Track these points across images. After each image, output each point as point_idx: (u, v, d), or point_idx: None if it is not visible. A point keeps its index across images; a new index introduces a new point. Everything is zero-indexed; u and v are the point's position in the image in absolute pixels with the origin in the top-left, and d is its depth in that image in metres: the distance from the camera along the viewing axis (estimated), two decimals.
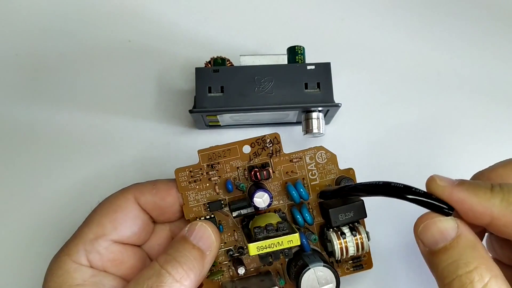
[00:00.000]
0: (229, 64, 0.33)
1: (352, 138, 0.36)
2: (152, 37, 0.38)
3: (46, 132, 0.35)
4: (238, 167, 0.28)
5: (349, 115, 0.36)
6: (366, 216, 0.27)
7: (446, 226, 0.22)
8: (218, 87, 0.31)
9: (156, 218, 0.28)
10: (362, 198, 0.27)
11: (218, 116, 0.32)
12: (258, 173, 0.27)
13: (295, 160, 0.28)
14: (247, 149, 0.28)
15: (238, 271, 0.27)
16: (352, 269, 0.29)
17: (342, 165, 0.29)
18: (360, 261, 0.29)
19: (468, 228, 0.22)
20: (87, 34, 0.38)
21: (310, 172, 0.29)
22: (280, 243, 0.25)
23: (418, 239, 0.23)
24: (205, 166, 0.27)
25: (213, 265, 0.28)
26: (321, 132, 0.32)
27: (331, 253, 0.27)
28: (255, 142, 0.28)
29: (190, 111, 0.31)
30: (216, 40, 0.37)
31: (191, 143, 0.35)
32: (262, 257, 0.25)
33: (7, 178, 0.34)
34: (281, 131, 0.35)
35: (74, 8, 0.38)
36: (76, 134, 0.35)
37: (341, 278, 0.28)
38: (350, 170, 0.29)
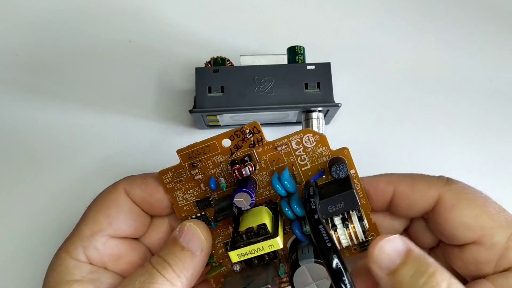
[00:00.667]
0: (229, 64, 0.33)
1: (352, 138, 0.36)
2: (152, 37, 0.38)
3: (46, 131, 0.35)
4: (221, 162, 0.26)
5: (349, 115, 0.36)
6: (358, 205, 0.25)
7: (397, 243, 0.23)
8: (218, 87, 0.31)
9: (147, 212, 0.28)
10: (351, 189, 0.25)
11: (218, 116, 0.32)
12: (237, 171, 0.25)
13: (280, 147, 0.26)
14: (227, 142, 0.26)
15: (234, 268, 0.27)
16: (359, 249, 0.28)
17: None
18: (367, 241, 0.27)
19: (412, 242, 0.23)
20: (87, 34, 0.38)
21: (299, 158, 0.26)
22: (261, 248, 0.24)
23: (375, 266, 0.23)
24: (186, 165, 0.27)
25: (213, 261, 0.28)
26: (321, 132, 0.32)
27: None
28: (233, 135, 0.26)
29: (190, 111, 0.31)
30: (216, 40, 0.37)
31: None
32: (246, 261, 0.25)
33: (7, 178, 0.34)
34: (281, 131, 0.36)
35: (74, 8, 0.38)
36: (76, 135, 0.35)
37: (349, 258, 0.28)
38: (344, 149, 0.26)
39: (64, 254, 0.26)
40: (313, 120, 0.32)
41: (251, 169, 0.26)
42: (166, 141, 0.35)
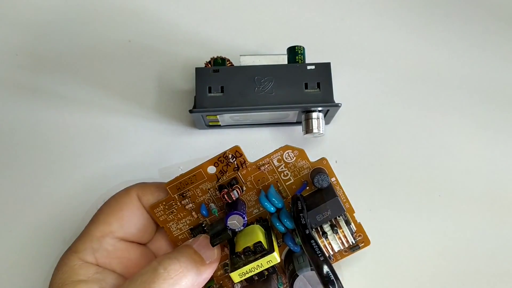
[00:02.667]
0: (229, 64, 0.33)
1: (352, 138, 0.36)
2: (152, 37, 0.38)
3: (46, 132, 0.35)
4: (209, 189, 0.28)
5: (349, 115, 0.36)
6: (344, 210, 0.26)
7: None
8: (218, 87, 0.31)
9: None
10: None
11: (218, 116, 0.32)
12: (226, 196, 0.26)
13: (263, 166, 0.28)
14: (212, 169, 0.27)
15: (235, 287, 0.28)
16: (350, 251, 0.29)
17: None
18: (356, 242, 0.29)
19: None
20: (87, 34, 0.38)
21: (282, 174, 0.28)
22: (260, 265, 0.25)
23: None
24: (176, 196, 0.28)
25: (213, 284, 0.29)
26: (321, 132, 0.32)
27: None
28: (217, 161, 0.27)
29: (190, 111, 0.31)
30: (216, 40, 0.37)
31: (191, 143, 0.35)
32: (247, 279, 0.26)
33: (8, 178, 0.34)
34: (281, 131, 0.36)
35: (74, 8, 0.38)
36: (76, 134, 0.35)
37: (342, 261, 0.29)
38: (323, 160, 0.28)
39: (72, 255, 0.26)
40: (313, 120, 0.32)
41: (239, 192, 0.27)
42: (166, 141, 0.35)
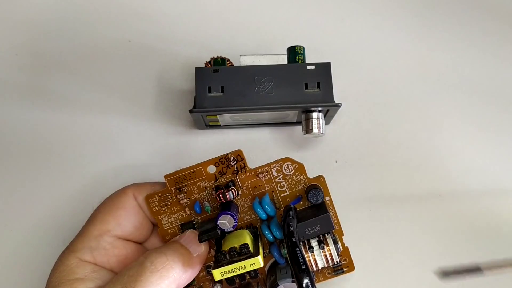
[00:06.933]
0: (229, 64, 0.33)
1: (352, 138, 0.36)
2: (152, 37, 0.38)
3: (46, 132, 0.35)
4: (205, 188, 0.28)
5: (349, 115, 0.36)
6: (333, 228, 0.27)
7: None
8: (218, 87, 0.31)
9: (150, 218, 0.29)
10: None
11: (218, 116, 0.32)
12: (221, 195, 0.27)
13: (262, 174, 0.28)
14: (212, 169, 0.28)
15: None
16: (333, 273, 0.29)
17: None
18: (341, 265, 0.29)
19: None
20: (87, 34, 0.38)
21: (279, 185, 0.28)
22: (243, 266, 0.25)
23: None
24: (173, 190, 0.28)
25: (193, 283, 0.29)
26: (321, 132, 0.32)
27: None
28: (218, 162, 0.28)
29: (190, 111, 0.31)
30: (216, 40, 0.37)
31: (191, 143, 0.35)
32: (228, 280, 0.26)
33: (7, 179, 0.34)
34: (281, 131, 0.36)
35: (74, 8, 0.38)
36: (76, 135, 0.35)
37: (323, 283, 0.29)
38: (320, 177, 0.28)
39: (70, 254, 0.26)
40: (313, 120, 0.32)
41: (234, 194, 0.27)
42: (166, 141, 0.35)
